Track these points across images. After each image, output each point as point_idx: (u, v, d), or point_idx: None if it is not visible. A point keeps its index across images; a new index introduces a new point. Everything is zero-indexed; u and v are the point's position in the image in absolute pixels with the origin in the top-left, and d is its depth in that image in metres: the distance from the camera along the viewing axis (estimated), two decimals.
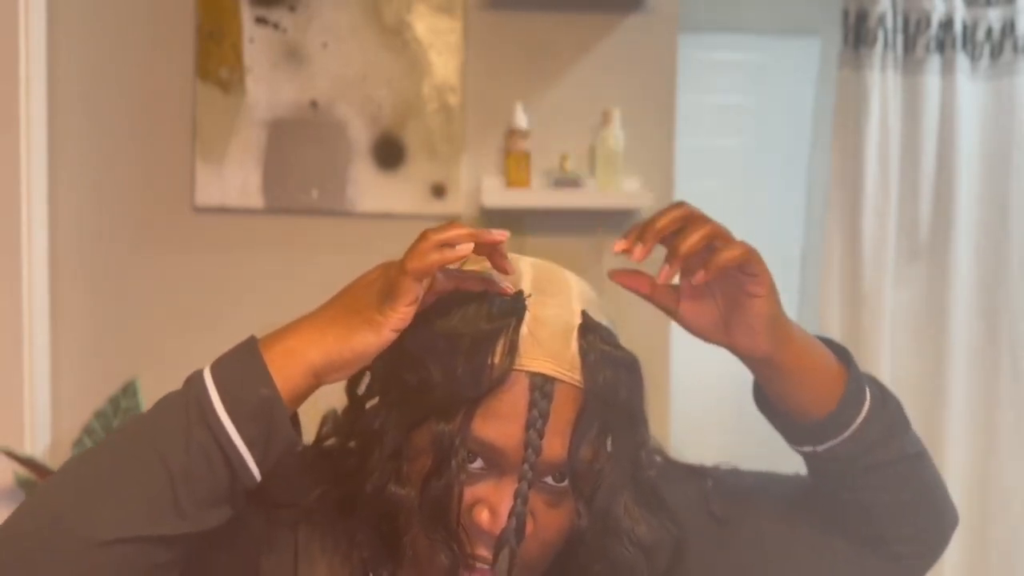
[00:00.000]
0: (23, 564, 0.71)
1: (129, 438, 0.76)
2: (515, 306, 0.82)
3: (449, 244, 0.77)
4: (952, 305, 2.35)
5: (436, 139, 2.28)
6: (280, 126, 2.27)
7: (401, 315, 0.78)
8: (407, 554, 0.85)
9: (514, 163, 2.23)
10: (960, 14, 2.32)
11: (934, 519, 0.97)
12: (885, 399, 0.93)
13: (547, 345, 0.81)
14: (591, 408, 0.82)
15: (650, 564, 0.88)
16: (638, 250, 0.80)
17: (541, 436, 0.79)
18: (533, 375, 0.80)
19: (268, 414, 0.75)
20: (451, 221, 0.82)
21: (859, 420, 0.90)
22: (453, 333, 0.81)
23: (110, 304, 2.26)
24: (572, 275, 0.89)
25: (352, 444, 0.89)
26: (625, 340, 0.87)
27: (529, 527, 0.81)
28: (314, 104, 2.27)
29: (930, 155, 2.34)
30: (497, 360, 0.79)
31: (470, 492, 0.81)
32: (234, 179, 2.27)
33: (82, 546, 0.70)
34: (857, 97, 2.31)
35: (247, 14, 2.26)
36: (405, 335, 0.80)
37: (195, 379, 0.77)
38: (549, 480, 0.83)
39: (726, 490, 0.97)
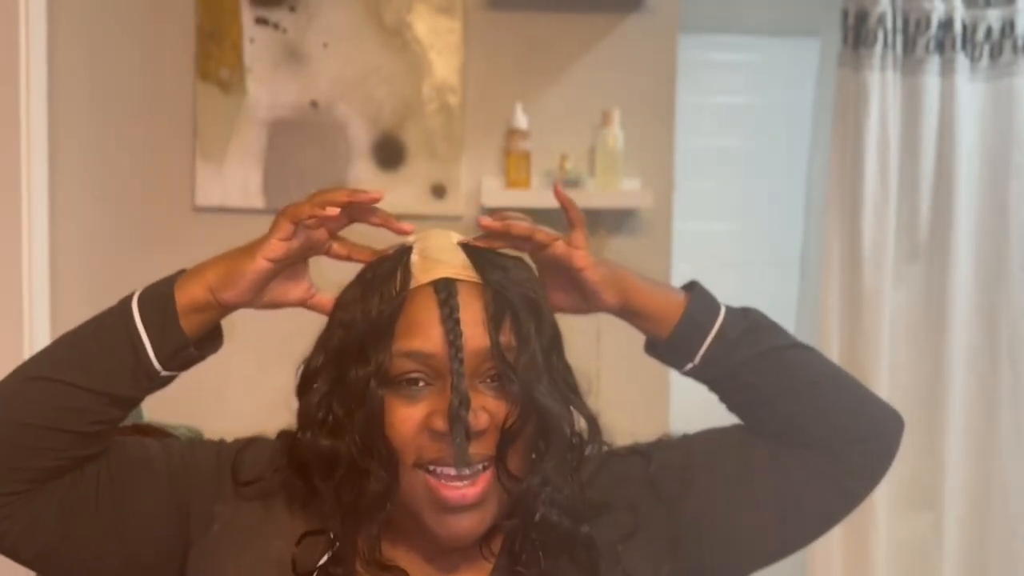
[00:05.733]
0: (8, 389, 0.97)
1: (79, 329, 1.01)
2: (401, 249, 0.96)
3: (327, 203, 0.92)
4: (951, 305, 2.35)
5: (436, 139, 2.28)
6: (280, 126, 2.27)
7: (272, 246, 0.94)
8: (365, 507, 0.92)
9: (514, 163, 2.23)
10: (960, 14, 2.32)
11: (846, 405, 1.03)
12: (746, 311, 1.04)
13: (438, 258, 0.94)
14: (496, 299, 0.92)
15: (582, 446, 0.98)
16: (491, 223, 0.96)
17: (458, 324, 0.90)
18: (435, 282, 0.92)
19: (163, 304, 0.96)
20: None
21: (718, 324, 1.01)
22: (355, 294, 0.95)
23: (110, 304, 2.25)
24: None
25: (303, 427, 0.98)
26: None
27: (484, 420, 0.89)
28: (314, 104, 2.28)
29: (929, 155, 2.34)
30: (398, 288, 0.92)
31: (421, 409, 0.90)
32: (234, 179, 2.27)
33: (21, 379, 0.96)
34: (857, 97, 2.31)
35: (247, 14, 2.26)
36: (329, 322, 0.96)
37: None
38: (488, 381, 0.92)
39: (670, 466, 1.03)
